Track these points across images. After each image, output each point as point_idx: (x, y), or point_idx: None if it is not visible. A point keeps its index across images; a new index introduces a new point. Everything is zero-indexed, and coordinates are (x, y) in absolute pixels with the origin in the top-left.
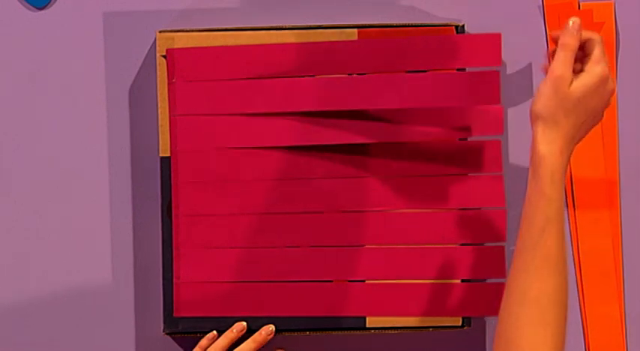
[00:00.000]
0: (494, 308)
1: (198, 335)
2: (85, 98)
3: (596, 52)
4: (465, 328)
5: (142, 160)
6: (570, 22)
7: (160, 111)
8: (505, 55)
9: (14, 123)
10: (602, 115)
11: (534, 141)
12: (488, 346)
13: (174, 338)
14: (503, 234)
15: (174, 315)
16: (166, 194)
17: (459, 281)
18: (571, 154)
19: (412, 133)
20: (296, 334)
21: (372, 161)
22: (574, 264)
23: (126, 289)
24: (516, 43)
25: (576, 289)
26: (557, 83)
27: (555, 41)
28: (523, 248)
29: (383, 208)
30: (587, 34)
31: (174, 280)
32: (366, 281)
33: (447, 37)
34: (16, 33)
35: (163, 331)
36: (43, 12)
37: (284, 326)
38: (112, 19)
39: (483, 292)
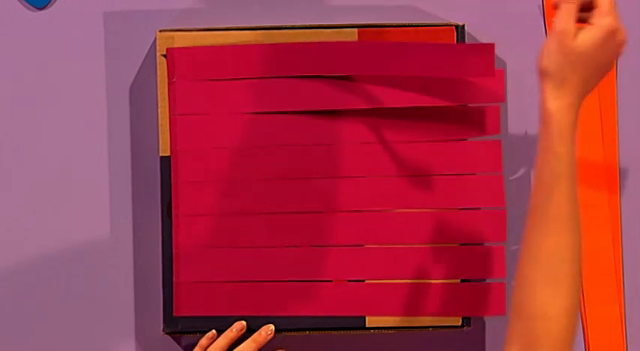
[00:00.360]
0: (494, 308)
1: (198, 335)
2: (85, 97)
3: (605, 4)
4: (464, 328)
5: (142, 160)
6: None
7: (160, 110)
8: (506, 54)
9: (14, 122)
10: (612, 66)
11: (542, 98)
12: (488, 346)
13: (173, 338)
14: (503, 234)
15: (174, 314)
16: (166, 194)
17: (458, 281)
18: (579, 108)
19: (412, 133)
20: (295, 333)
21: (372, 161)
22: None
23: (126, 288)
24: (517, 43)
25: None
26: (560, 38)
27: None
28: (534, 206)
29: (383, 207)
30: None
31: (173, 279)
32: (366, 281)
33: (441, 46)
34: (16, 33)
35: (163, 331)
36: (43, 12)
37: (283, 326)
38: (112, 18)
39: (483, 292)
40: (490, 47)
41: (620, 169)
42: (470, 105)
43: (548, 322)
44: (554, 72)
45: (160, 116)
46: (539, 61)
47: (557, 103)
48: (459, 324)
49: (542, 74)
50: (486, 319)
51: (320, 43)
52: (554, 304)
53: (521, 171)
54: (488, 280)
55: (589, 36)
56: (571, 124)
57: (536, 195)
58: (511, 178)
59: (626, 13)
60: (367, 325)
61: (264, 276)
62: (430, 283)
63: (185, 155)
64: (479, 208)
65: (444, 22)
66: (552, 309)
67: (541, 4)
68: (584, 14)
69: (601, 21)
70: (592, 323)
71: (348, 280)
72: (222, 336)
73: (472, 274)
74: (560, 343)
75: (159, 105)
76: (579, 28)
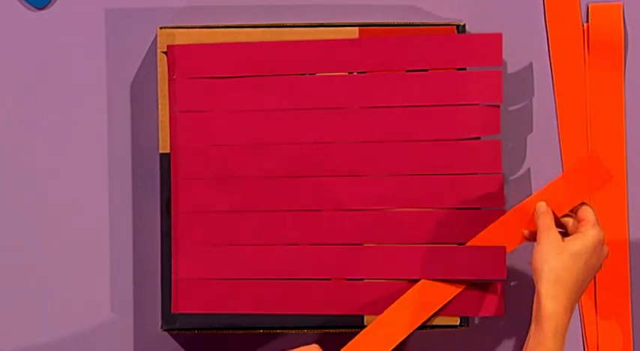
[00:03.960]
0: (493, 308)
1: (196, 332)
2: (86, 95)
3: (591, 218)
4: (462, 327)
5: (142, 157)
6: (538, 206)
7: (160, 107)
8: (505, 54)
9: (15, 121)
10: (598, 272)
11: (539, 296)
12: (487, 346)
13: (172, 334)
14: None
15: (173, 311)
16: (166, 191)
17: (457, 280)
18: (572, 311)
19: (412, 132)
20: (294, 332)
21: (371, 160)
22: None
23: (125, 284)
24: (517, 43)
25: None
26: (551, 241)
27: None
28: None
29: (382, 207)
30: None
31: (172, 276)
32: (364, 280)
33: (448, 37)
34: (16, 33)
35: (161, 328)
36: (43, 12)
37: (282, 324)
38: (113, 15)
39: (482, 292)
40: (497, 37)
41: (627, 173)
42: (470, 104)
43: None
44: (548, 271)
45: (160, 113)
46: (535, 263)
47: (553, 303)
48: (457, 324)
49: (538, 273)
50: (484, 319)
51: (321, 41)
52: None
53: (521, 171)
54: (487, 281)
55: (580, 240)
56: (566, 324)
57: None
58: (511, 178)
59: (635, 15)
60: (365, 324)
61: (263, 274)
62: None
63: (185, 152)
64: (479, 208)
65: (445, 21)
66: None
67: (542, 3)
68: (567, 219)
69: (591, 231)
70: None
71: (347, 279)
72: None
73: (471, 274)
74: None
75: (159, 102)
76: (565, 236)
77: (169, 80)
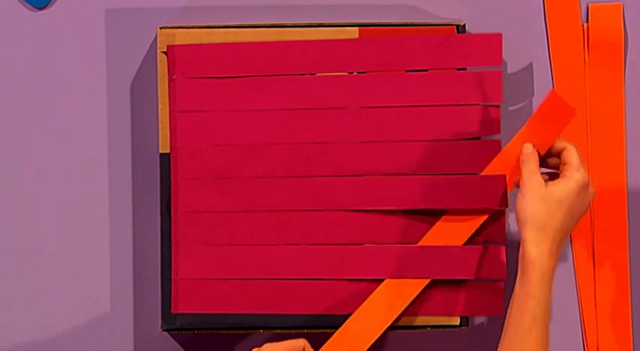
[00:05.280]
0: (492, 308)
1: (196, 332)
2: (86, 94)
3: (575, 160)
4: (462, 327)
5: (142, 157)
6: (524, 147)
7: (160, 107)
8: (506, 54)
9: (15, 121)
10: (585, 214)
11: (523, 244)
12: (486, 346)
13: (171, 335)
14: (503, 234)
15: (172, 311)
16: (166, 191)
17: (458, 281)
18: (558, 256)
19: (412, 132)
20: (293, 332)
21: (371, 160)
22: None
23: (124, 284)
24: (517, 43)
25: (576, 292)
26: (534, 187)
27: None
28: (509, 347)
29: (382, 206)
30: (562, 144)
31: (172, 276)
32: (365, 280)
33: (448, 37)
34: (16, 33)
35: (161, 328)
36: (43, 12)
37: (281, 324)
38: (114, 15)
39: (482, 292)
40: (497, 37)
41: (627, 175)
42: (470, 104)
43: None
44: (533, 218)
45: (160, 113)
46: (519, 211)
47: (538, 249)
48: (457, 324)
49: (522, 222)
50: (484, 319)
51: (321, 41)
52: None
53: None
54: (487, 281)
55: (563, 185)
56: (551, 271)
57: (512, 335)
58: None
59: (635, 15)
60: None
61: (263, 274)
62: (429, 282)
63: (185, 152)
64: (479, 209)
65: (445, 21)
66: None
67: (542, 3)
68: (553, 160)
69: (574, 174)
70: (602, 323)
71: (347, 279)
72: None
73: (471, 274)
74: None
75: (159, 102)
76: (552, 179)
77: (169, 80)
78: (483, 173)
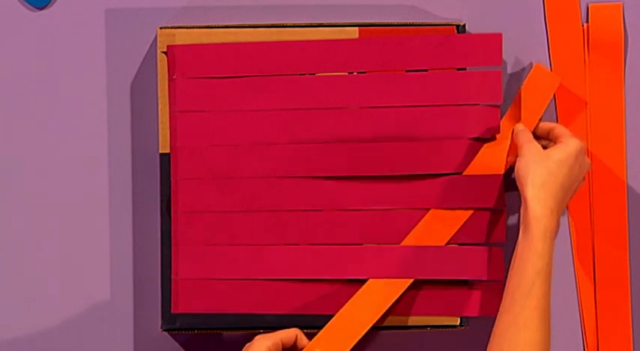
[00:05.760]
0: (492, 308)
1: (196, 332)
2: (85, 94)
3: (567, 132)
4: (462, 327)
5: (142, 157)
6: (516, 127)
7: (160, 107)
8: (505, 54)
9: (15, 121)
10: (581, 186)
11: (525, 202)
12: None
13: (172, 335)
14: (503, 234)
15: (172, 311)
16: (166, 191)
17: (457, 281)
18: (559, 217)
19: (412, 132)
20: None
21: (371, 160)
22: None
23: (124, 284)
24: (517, 43)
25: (576, 292)
26: (533, 150)
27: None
28: (512, 301)
29: (382, 207)
30: (548, 124)
31: (172, 276)
32: (365, 280)
33: (448, 37)
34: (16, 33)
35: (161, 328)
36: (43, 12)
37: (281, 324)
38: (114, 15)
39: (482, 292)
40: (497, 37)
41: (627, 175)
42: (470, 104)
43: None
44: (534, 176)
45: (160, 113)
46: (520, 171)
47: (540, 206)
48: (457, 324)
49: (523, 181)
50: (484, 319)
51: (321, 41)
52: None
53: None
54: (486, 281)
55: (562, 149)
56: (553, 229)
57: (515, 290)
58: (511, 177)
59: (635, 15)
60: None
61: (263, 274)
62: (429, 282)
63: (185, 152)
64: (479, 209)
65: (445, 21)
66: None
67: (542, 3)
68: (541, 141)
69: (571, 140)
70: (602, 323)
71: (347, 279)
72: None
73: (471, 274)
74: None
75: (159, 102)
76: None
77: (169, 80)
78: (478, 156)
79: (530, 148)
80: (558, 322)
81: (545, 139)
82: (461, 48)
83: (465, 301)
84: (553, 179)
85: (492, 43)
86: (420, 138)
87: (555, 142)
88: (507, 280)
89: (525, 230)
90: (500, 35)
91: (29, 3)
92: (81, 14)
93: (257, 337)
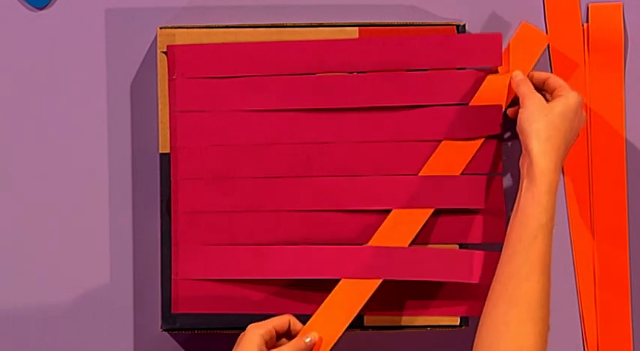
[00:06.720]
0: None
1: (196, 332)
2: (85, 95)
3: (564, 83)
4: (462, 327)
5: (142, 157)
6: (514, 75)
7: (160, 107)
8: None
9: (15, 121)
10: (578, 137)
11: (530, 154)
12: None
13: (172, 334)
14: (502, 234)
15: (172, 312)
16: (166, 191)
17: (457, 281)
18: (561, 169)
19: (412, 132)
20: None
21: (371, 160)
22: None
23: (124, 285)
24: None
25: (576, 292)
26: (536, 102)
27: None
28: (514, 254)
29: (382, 206)
30: (542, 74)
31: (172, 276)
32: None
33: (448, 37)
34: (16, 33)
35: (161, 328)
36: (43, 12)
37: None
38: (114, 15)
39: (482, 292)
40: (497, 37)
41: (627, 173)
42: (470, 105)
43: None
44: (539, 130)
45: (160, 113)
46: (524, 123)
47: (546, 160)
48: (457, 324)
49: (526, 134)
50: None
51: (321, 41)
52: (530, 343)
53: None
54: (485, 281)
55: (564, 102)
56: (557, 183)
57: (516, 243)
58: (511, 178)
59: (635, 15)
60: (365, 324)
61: (263, 274)
62: (428, 282)
63: (185, 152)
64: (478, 209)
65: (445, 21)
66: (530, 348)
67: (542, 4)
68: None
69: (569, 93)
70: (602, 323)
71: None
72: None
73: (470, 275)
74: None
75: (159, 102)
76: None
77: (169, 80)
78: (471, 104)
79: (533, 99)
80: (558, 322)
81: (540, 89)
82: (461, 48)
83: (465, 301)
84: (557, 133)
85: (492, 43)
86: (420, 138)
87: (551, 94)
88: (508, 233)
89: (530, 184)
90: (500, 35)
91: (29, 3)
92: (81, 14)
93: (250, 326)
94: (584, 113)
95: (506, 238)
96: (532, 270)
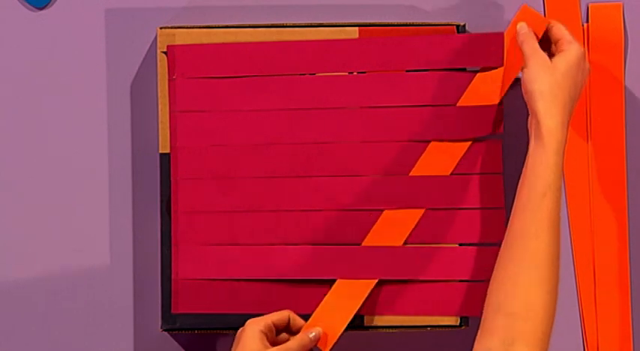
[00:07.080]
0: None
1: (196, 332)
2: (86, 95)
3: (566, 35)
4: (462, 327)
5: (142, 157)
6: (519, 27)
7: (160, 107)
8: None
9: (15, 121)
10: (582, 90)
11: (537, 116)
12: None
13: (172, 334)
14: (502, 233)
15: (172, 312)
16: (166, 191)
17: (457, 281)
18: (568, 127)
19: (412, 132)
20: None
21: (371, 160)
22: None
23: (124, 285)
24: None
25: (576, 291)
26: (540, 61)
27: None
28: (522, 213)
29: (382, 206)
30: (546, 22)
31: (172, 276)
32: (364, 280)
33: (448, 37)
34: (16, 33)
35: (161, 328)
36: (43, 12)
37: None
38: (113, 15)
39: (482, 291)
40: (497, 37)
41: (627, 173)
42: (470, 105)
43: (533, 318)
44: (544, 90)
45: (160, 113)
46: (528, 84)
47: (554, 120)
48: (457, 324)
49: (532, 94)
50: None
51: (321, 41)
52: (541, 301)
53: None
54: (486, 280)
55: (566, 59)
56: (564, 141)
57: (525, 202)
58: (511, 178)
59: (635, 15)
60: (365, 324)
61: (263, 274)
62: (428, 282)
63: (185, 152)
64: (478, 208)
65: (445, 21)
66: (539, 306)
67: (542, 4)
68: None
69: (571, 47)
70: (602, 323)
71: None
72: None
73: (470, 274)
74: (541, 337)
75: (159, 102)
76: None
77: (169, 80)
78: (467, 103)
79: (536, 59)
80: (558, 322)
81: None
82: (461, 48)
83: (465, 300)
84: (562, 92)
85: (493, 42)
86: (420, 138)
87: (556, 45)
88: (517, 193)
89: (537, 144)
90: (501, 34)
91: (29, 3)
92: (81, 14)
93: (249, 321)
94: (587, 64)
95: (515, 198)
96: (541, 228)
